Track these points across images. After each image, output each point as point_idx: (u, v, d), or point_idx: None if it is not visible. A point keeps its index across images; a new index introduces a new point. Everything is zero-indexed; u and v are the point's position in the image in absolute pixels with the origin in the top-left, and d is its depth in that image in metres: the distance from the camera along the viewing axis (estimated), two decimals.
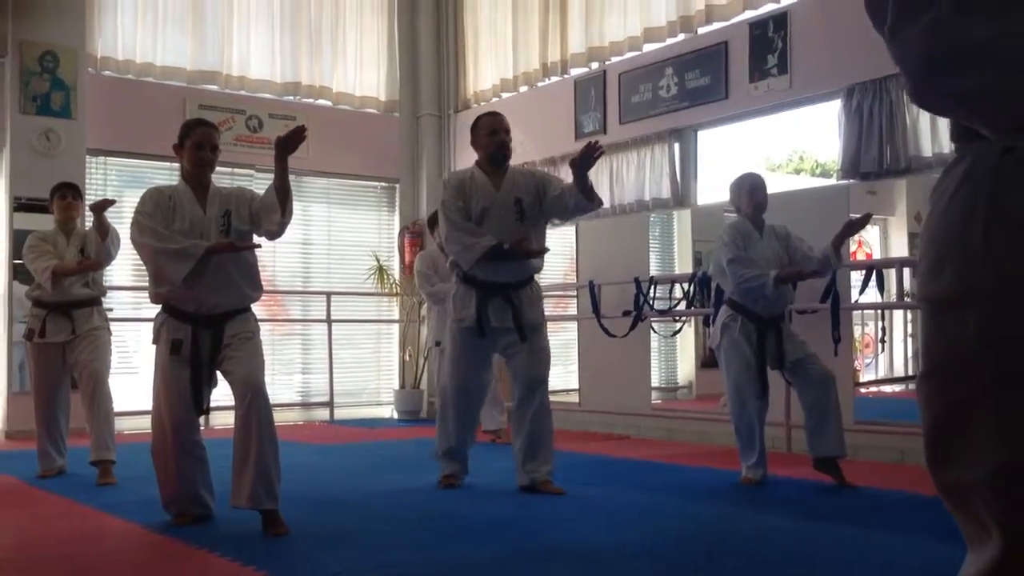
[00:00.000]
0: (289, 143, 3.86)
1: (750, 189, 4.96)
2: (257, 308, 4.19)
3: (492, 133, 4.83)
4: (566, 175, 4.55)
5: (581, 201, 4.68)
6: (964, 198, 1.22)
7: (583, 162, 4.55)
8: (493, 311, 4.74)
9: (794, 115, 7.03)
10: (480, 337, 4.78)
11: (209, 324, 3.94)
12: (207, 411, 4.12)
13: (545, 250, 4.84)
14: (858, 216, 4.95)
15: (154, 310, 4.13)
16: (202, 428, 4.16)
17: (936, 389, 1.24)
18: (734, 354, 4.93)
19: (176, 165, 4.14)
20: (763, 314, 4.89)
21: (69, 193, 5.49)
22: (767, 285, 4.77)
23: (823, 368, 4.92)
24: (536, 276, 4.92)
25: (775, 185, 6.72)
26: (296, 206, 4.04)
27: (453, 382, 4.91)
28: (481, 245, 4.65)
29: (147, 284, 4.15)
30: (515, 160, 5.15)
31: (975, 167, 1.22)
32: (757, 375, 4.89)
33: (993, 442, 1.17)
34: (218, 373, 4.00)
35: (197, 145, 3.99)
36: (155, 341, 4.02)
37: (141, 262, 4.11)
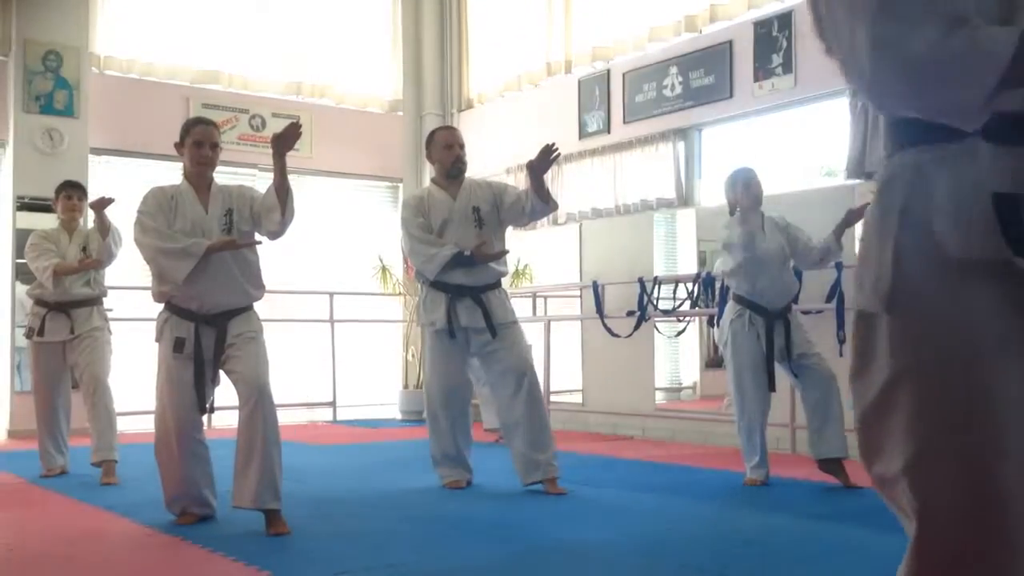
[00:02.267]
0: (285, 140, 3.84)
1: (744, 183, 4.93)
2: (259, 308, 4.17)
3: (447, 147, 4.97)
4: (566, 176, 4.58)
5: (538, 204, 4.81)
6: (882, 209, 1.34)
7: (540, 165, 4.67)
8: (463, 311, 4.82)
9: (797, 115, 7.00)
10: (451, 338, 4.82)
11: (212, 322, 3.93)
12: (211, 410, 4.11)
13: (505, 252, 4.93)
14: (859, 206, 4.97)
15: (155, 310, 4.12)
16: (205, 428, 4.15)
17: (861, 387, 1.35)
18: (740, 349, 4.91)
19: (179, 164, 4.12)
20: (769, 307, 4.88)
21: (75, 193, 5.49)
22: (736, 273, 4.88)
23: (826, 368, 4.90)
24: (503, 280, 5.03)
25: (789, 185, 6.72)
26: (299, 205, 4.03)
27: (436, 387, 4.96)
28: (443, 254, 4.77)
29: (148, 284, 4.15)
30: (516, 161, 5.16)
31: (895, 175, 1.33)
32: (764, 369, 4.87)
33: (906, 436, 1.28)
34: (221, 372, 3.99)
35: (197, 143, 3.98)
36: (158, 339, 4.02)
37: (142, 261, 4.10)
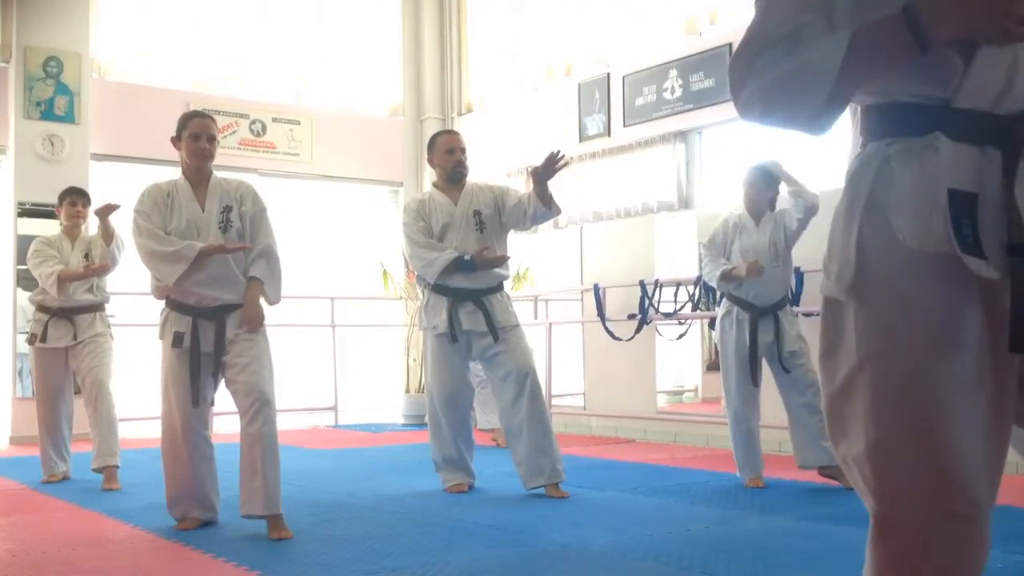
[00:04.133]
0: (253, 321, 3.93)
1: (746, 183, 5.01)
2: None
3: (448, 152, 4.97)
4: (566, 179, 4.60)
5: (540, 208, 4.80)
6: (848, 199, 1.39)
7: (546, 172, 4.67)
8: (465, 315, 4.81)
9: None
10: (453, 342, 4.82)
11: (210, 317, 3.93)
12: (212, 403, 4.09)
13: (506, 257, 4.92)
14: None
15: (156, 316, 4.13)
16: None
17: (828, 370, 1.39)
18: (726, 345, 4.97)
19: (179, 169, 4.11)
20: (756, 303, 4.90)
21: (79, 200, 5.49)
22: (713, 278, 4.95)
23: (815, 375, 4.90)
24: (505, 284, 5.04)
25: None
26: (300, 210, 4.04)
27: (437, 391, 4.95)
28: (443, 258, 4.78)
29: (149, 291, 4.15)
30: (517, 164, 5.18)
31: (861, 167, 1.39)
32: (747, 365, 4.87)
33: (867, 420, 1.33)
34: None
35: (194, 136, 3.96)
36: (161, 336, 4.03)
37: (145, 268, 4.10)
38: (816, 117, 1.35)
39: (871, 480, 1.35)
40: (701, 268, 5.02)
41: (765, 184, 4.95)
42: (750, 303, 4.91)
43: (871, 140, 1.39)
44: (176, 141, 4.02)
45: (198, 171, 4.01)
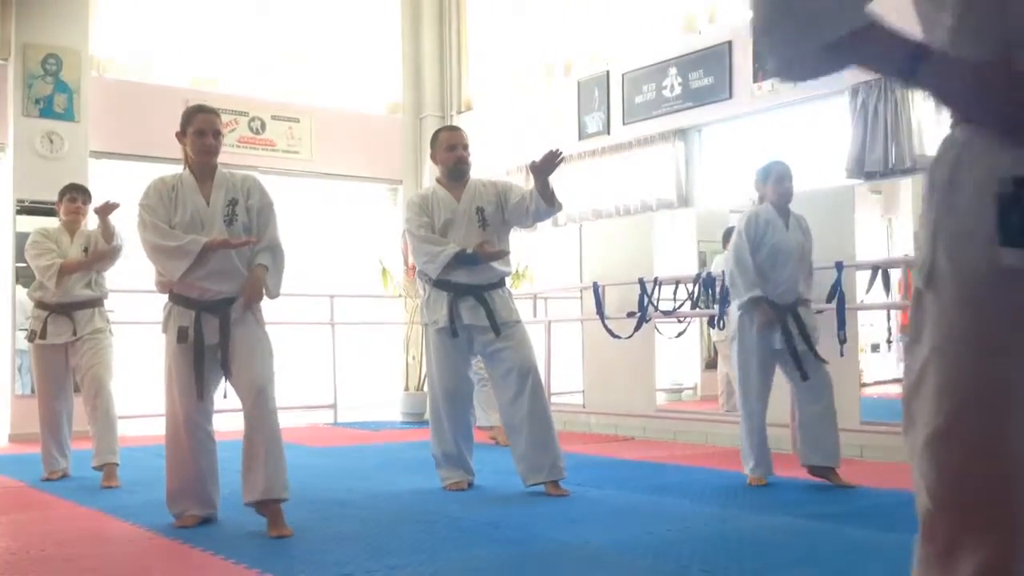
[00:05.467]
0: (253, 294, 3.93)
1: (777, 178, 4.94)
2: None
3: (450, 148, 4.98)
4: (566, 177, 4.60)
5: (542, 205, 4.81)
6: (928, 187, 1.36)
7: (544, 168, 4.68)
8: (466, 310, 4.82)
9: (797, 115, 7.00)
10: (454, 336, 4.82)
11: (213, 310, 3.93)
12: (223, 396, 4.09)
13: (507, 252, 4.94)
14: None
15: (156, 312, 4.13)
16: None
17: (911, 360, 1.37)
18: (746, 343, 4.91)
19: (180, 166, 4.10)
20: (779, 302, 4.89)
21: (79, 196, 5.48)
22: (739, 289, 4.89)
23: (824, 372, 4.90)
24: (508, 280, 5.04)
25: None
26: (299, 208, 4.04)
27: (439, 386, 4.95)
28: (446, 253, 4.78)
29: (149, 288, 4.15)
30: (516, 162, 5.17)
31: (943, 152, 1.35)
32: (771, 365, 4.87)
33: (932, 410, 1.31)
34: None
35: (199, 131, 3.95)
36: (164, 330, 4.02)
37: (144, 263, 4.10)
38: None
39: (927, 471, 1.33)
40: (734, 254, 4.92)
41: (791, 177, 4.95)
42: (772, 302, 4.88)
43: (958, 122, 1.34)
44: (181, 136, 4.00)
45: (203, 166, 4.00)
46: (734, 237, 4.99)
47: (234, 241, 3.90)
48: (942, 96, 1.30)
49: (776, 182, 4.93)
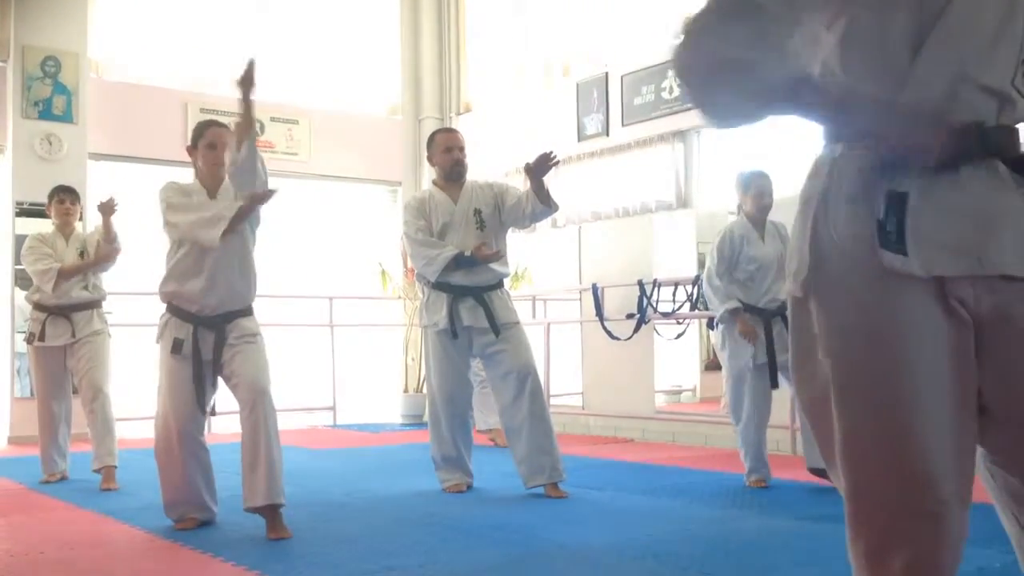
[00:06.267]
0: (247, 80, 4.05)
1: (757, 192, 4.95)
2: (259, 311, 4.17)
3: (447, 150, 4.99)
4: (565, 179, 4.62)
5: (538, 206, 4.83)
6: (804, 198, 1.43)
7: (538, 169, 4.70)
8: (465, 311, 4.83)
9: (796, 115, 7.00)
10: (454, 338, 4.82)
11: (210, 325, 3.93)
12: (213, 412, 4.11)
13: (503, 253, 4.95)
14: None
15: (154, 315, 4.14)
16: (206, 432, 4.14)
17: (804, 372, 1.43)
18: (736, 353, 4.92)
19: (180, 168, 4.13)
20: (765, 308, 4.90)
21: (67, 197, 5.47)
22: (715, 304, 4.93)
23: None
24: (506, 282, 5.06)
25: (790, 188, 6.70)
26: (298, 209, 4.06)
27: (438, 389, 4.95)
28: (444, 255, 4.79)
29: (147, 290, 4.16)
30: (515, 164, 5.18)
31: (818, 167, 1.44)
32: (764, 372, 4.87)
33: (837, 419, 1.38)
34: (219, 378, 3.99)
35: (211, 145, 4.05)
36: (158, 340, 4.03)
37: (143, 268, 4.12)
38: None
39: (843, 478, 1.38)
40: (705, 275, 4.99)
41: (771, 192, 4.96)
42: (761, 308, 4.89)
43: (829, 141, 1.43)
44: (192, 150, 4.09)
45: (213, 177, 4.06)
46: (708, 256, 5.01)
47: (260, 195, 3.91)
48: (819, 117, 1.41)
49: (756, 196, 4.95)
